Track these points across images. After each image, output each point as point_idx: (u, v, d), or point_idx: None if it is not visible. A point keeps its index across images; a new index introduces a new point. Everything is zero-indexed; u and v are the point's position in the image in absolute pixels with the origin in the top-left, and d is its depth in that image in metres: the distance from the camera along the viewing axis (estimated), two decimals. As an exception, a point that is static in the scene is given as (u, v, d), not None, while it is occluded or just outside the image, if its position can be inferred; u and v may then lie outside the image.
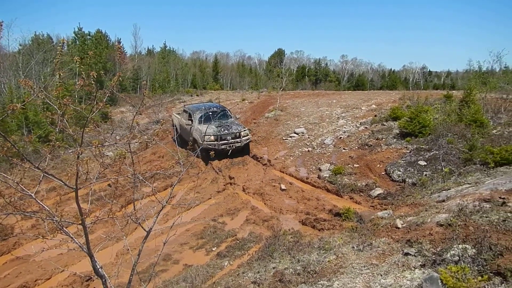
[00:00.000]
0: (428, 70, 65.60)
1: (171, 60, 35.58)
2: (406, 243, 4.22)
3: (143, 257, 4.11)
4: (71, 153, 11.36)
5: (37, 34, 23.64)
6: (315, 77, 59.83)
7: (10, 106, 2.37)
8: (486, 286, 3.02)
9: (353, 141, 11.94)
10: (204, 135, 10.94)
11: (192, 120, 12.28)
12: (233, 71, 50.31)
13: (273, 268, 4.56)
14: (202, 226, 7.26)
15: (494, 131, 10.14)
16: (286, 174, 10.60)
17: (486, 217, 4.25)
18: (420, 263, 3.70)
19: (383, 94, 22.56)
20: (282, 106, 18.87)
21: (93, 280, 5.38)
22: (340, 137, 12.54)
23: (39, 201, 2.64)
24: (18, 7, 71.02)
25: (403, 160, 9.44)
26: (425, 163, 8.94)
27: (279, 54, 60.66)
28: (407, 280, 3.45)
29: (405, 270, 3.63)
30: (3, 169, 9.05)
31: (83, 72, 2.60)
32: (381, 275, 3.65)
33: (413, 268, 3.64)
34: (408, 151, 9.93)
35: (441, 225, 4.36)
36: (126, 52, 34.61)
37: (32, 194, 2.57)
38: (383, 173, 9.30)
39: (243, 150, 12.20)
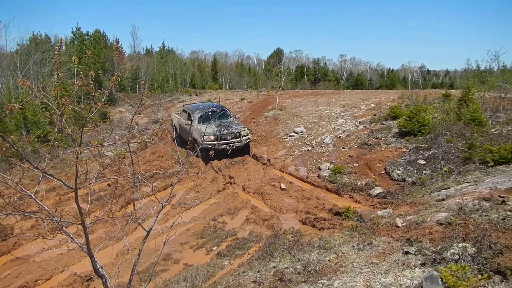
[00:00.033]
0: (426, 69, 65.81)
1: (169, 60, 35.54)
2: (406, 242, 4.22)
3: (143, 257, 4.11)
4: (70, 153, 11.35)
5: (35, 34, 23.68)
6: (314, 76, 59.95)
7: (8, 106, 2.36)
8: (486, 285, 3.03)
9: (352, 140, 11.95)
10: (204, 135, 10.92)
11: (191, 120, 12.26)
12: (232, 70, 50.32)
13: (274, 267, 4.56)
14: (202, 226, 7.26)
15: (493, 129, 10.16)
16: (286, 173, 10.60)
17: (486, 215, 4.25)
18: (420, 262, 3.71)
19: (382, 93, 22.59)
20: (281, 106, 18.87)
21: (94, 280, 5.38)
22: (340, 136, 12.54)
23: (38, 201, 2.63)
24: (16, 7, 70.93)
25: (402, 159, 9.45)
26: (425, 162, 8.95)
27: (278, 53, 60.72)
28: (407, 279, 3.46)
29: (405, 269, 3.64)
30: (2, 169, 9.03)
31: (81, 72, 2.60)
32: (381, 274, 3.65)
33: (413, 267, 3.64)
34: (408, 150, 9.94)
35: (441, 224, 4.36)
36: (124, 52, 34.66)
37: (32, 194, 2.56)
38: (382, 172, 9.31)
39: (243, 150, 12.18)
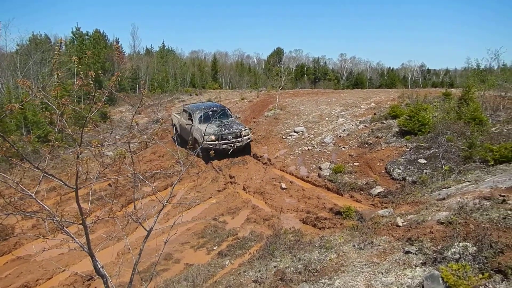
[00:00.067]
0: (426, 68, 65.75)
1: (169, 60, 35.50)
2: (407, 241, 4.22)
3: (144, 257, 4.11)
4: (70, 153, 11.34)
5: (35, 34, 23.64)
6: (314, 75, 59.92)
7: (8, 106, 2.36)
8: (487, 284, 3.03)
9: (353, 140, 11.94)
10: (205, 135, 10.91)
11: (192, 120, 12.25)
12: (232, 70, 50.28)
13: (274, 267, 4.56)
14: (203, 225, 7.26)
15: (493, 128, 10.15)
16: (287, 173, 10.60)
17: (487, 214, 4.25)
18: (421, 261, 3.70)
19: (382, 92, 22.56)
20: (281, 105, 18.86)
21: (94, 280, 5.38)
22: (340, 136, 12.53)
23: (39, 201, 2.63)
24: (16, 7, 70.90)
25: (403, 158, 9.44)
26: (425, 161, 8.95)
27: (278, 53, 60.71)
28: (408, 278, 3.46)
29: (406, 268, 3.63)
30: (2, 169, 9.04)
31: (81, 72, 2.59)
32: (382, 274, 3.65)
33: (414, 266, 3.64)
34: (408, 149, 9.93)
35: (442, 223, 4.36)
36: (124, 52, 34.66)
37: (32, 194, 2.56)
38: (383, 171, 9.31)
39: (244, 150, 12.17)
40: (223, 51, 65.49)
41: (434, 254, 3.74)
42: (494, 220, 4.04)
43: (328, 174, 9.75)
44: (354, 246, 4.53)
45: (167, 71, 32.79)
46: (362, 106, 16.30)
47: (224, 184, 9.77)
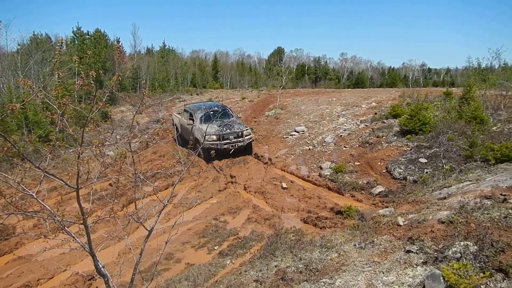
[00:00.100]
0: (427, 67, 65.58)
1: (170, 59, 35.51)
2: (408, 241, 4.22)
3: (145, 256, 4.12)
4: (71, 153, 11.36)
5: (35, 33, 23.65)
6: (314, 75, 59.82)
7: (9, 106, 2.36)
8: (488, 283, 3.02)
9: (353, 139, 11.93)
10: (206, 135, 10.89)
11: (193, 120, 12.24)
12: (233, 69, 50.24)
13: (275, 266, 4.56)
14: (203, 225, 7.26)
15: (494, 128, 10.13)
16: (287, 172, 10.60)
17: (488, 214, 4.24)
18: (422, 260, 3.70)
19: (383, 91, 22.52)
20: (282, 105, 18.85)
21: (96, 279, 5.39)
22: (341, 135, 12.53)
23: (40, 201, 2.64)
24: (16, 6, 70.97)
25: (404, 158, 9.43)
26: (426, 161, 8.93)
27: (279, 52, 60.67)
28: (409, 277, 3.45)
29: (407, 268, 3.63)
30: (4, 169, 9.05)
31: (82, 72, 2.59)
32: (383, 273, 3.65)
33: (415, 265, 3.64)
34: (409, 148, 9.92)
35: (443, 222, 4.36)
36: (125, 52, 34.65)
37: (33, 194, 2.56)
38: (384, 170, 9.30)
39: (246, 150, 12.15)
40: (224, 51, 65.59)
41: (435, 253, 3.73)
42: (495, 219, 4.04)
43: (329, 173, 9.75)
44: (355, 245, 4.53)
45: (168, 70, 32.81)
46: (363, 106, 16.28)
47: (225, 184, 9.77)
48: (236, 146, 11.57)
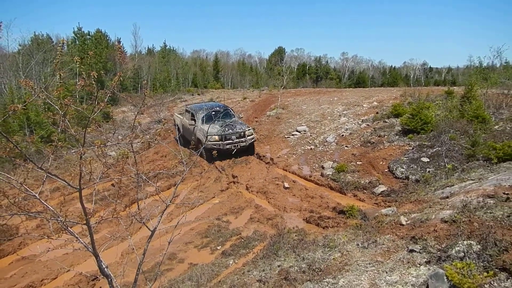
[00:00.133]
0: (428, 66, 65.45)
1: (171, 59, 35.52)
2: (411, 240, 4.21)
3: (148, 257, 4.13)
4: (74, 153, 11.40)
5: (36, 34, 23.61)
6: (316, 75, 59.77)
7: (11, 106, 2.36)
8: (492, 282, 3.01)
9: (355, 139, 11.91)
10: (208, 135, 10.88)
11: (195, 120, 12.23)
12: (234, 69, 50.22)
13: (278, 266, 4.56)
14: (206, 225, 7.27)
15: (496, 126, 10.09)
16: (289, 172, 10.59)
17: (491, 213, 4.23)
18: (425, 259, 3.69)
19: (384, 91, 22.50)
20: (283, 104, 18.84)
21: (99, 280, 5.40)
22: (342, 135, 12.51)
23: (43, 201, 2.64)
24: (17, 6, 71.15)
25: (406, 157, 9.41)
26: (428, 160, 8.91)
27: (280, 52, 60.66)
28: (413, 277, 3.44)
29: (410, 267, 3.62)
30: (6, 169, 9.09)
31: (83, 72, 2.59)
32: (386, 272, 3.64)
33: (418, 265, 3.63)
34: (411, 148, 9.90)
35: (446, 222, 4.34)
36: (126, 52, 34.60)
37: (36, 195, 2.57)
38: (386, 170, 9.28)
39: (248, 150, 12.13)
40: (225, 51, 65.50)
41: (439, 252, 3.72)
42: (498, 218, 4.03)
43: (331, 173, 9.74)
44: (357, 245, 4.52)
45: (169, 71, 32.83)
46: (364, 105, 16.27)
47: (227, 184, 9.77)
48: (239, 146, 11.55)
